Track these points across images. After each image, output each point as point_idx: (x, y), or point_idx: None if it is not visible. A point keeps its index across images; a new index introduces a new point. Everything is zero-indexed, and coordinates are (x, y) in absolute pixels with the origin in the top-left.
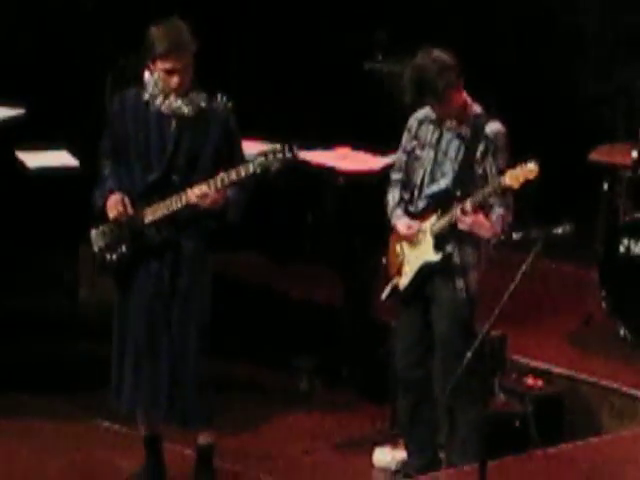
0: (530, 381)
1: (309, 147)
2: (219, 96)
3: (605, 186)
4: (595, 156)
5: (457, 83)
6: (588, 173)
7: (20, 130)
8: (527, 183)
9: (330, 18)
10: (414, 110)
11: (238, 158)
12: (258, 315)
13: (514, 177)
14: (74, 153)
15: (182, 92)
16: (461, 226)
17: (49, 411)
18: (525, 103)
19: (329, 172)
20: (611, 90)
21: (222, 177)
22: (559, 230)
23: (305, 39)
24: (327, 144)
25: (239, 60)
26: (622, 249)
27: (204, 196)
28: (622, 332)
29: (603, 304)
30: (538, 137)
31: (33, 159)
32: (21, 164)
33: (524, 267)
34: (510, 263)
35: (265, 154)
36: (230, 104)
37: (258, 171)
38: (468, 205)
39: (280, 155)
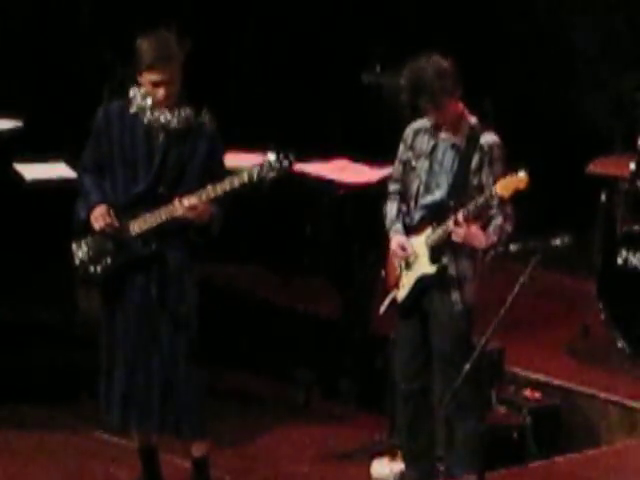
0: (528, 393)
1: (307, 159)
2: (204, 111)
3: (603, 197)
4: (593, 168)
5: (454, 90)
6: (586, 185)
7: (18, 142)
8: (518, 192)
9: (328, 30)
10: (411, 121)
11: (220, 173)
12: (256, 327)
13: (504, 186)
14: (72, 165)
15: (169, 104)
16: (454, 238)
17: (47, 422)
18: (523, 115)
19: (327, 184)
20: (609, 102)
21: (214, 188)
22: (557, 241)
23: (303, 51)
24: (325, 156)
25: (237, 72)
26: (620, 260)
27: (192, 208)
28: (620, 343)
29: (601, 315)
30: (536, 149)
31: (31, 171)
32: (19, 176)
33: (522, 279)
34: (508, 275)
35: (261, 164)
36: (214, 120)
37: (254, 179)
38: (460, 216)
39: (277, 164)
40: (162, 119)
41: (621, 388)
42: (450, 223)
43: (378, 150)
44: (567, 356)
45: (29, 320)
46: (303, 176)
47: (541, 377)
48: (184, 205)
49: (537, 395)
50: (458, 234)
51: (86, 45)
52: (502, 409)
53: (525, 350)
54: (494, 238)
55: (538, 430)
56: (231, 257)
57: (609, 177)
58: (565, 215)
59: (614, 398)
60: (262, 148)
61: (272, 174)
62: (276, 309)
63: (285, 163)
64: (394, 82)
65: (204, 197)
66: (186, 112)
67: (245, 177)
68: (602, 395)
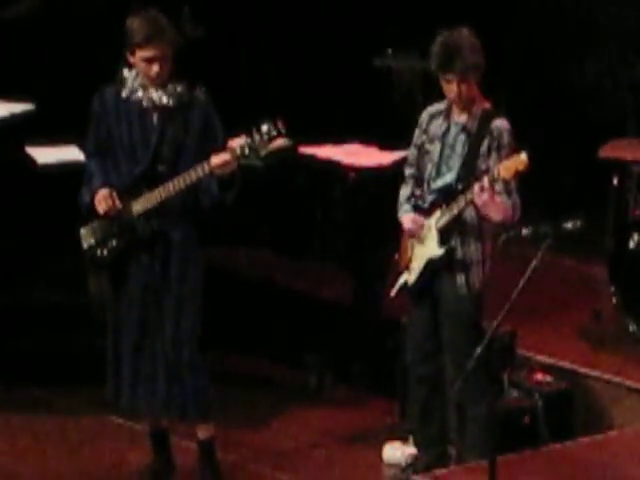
0: (540, 377)
1: (319, 143)
2: (198, 87)
3: (615, 181)
4: (605, 152)
5: (480, 69)
6: (598, 168)
7: (30, 126)
8: (519, 174)
9: (340, 14)
10: (423, 105)
11: (219, 146)
12: (268, 311)
13: (506, 168)
14: (84, 148)
15: (161, 82)
16: (476, 200)
17: (60, 406)
18: (535, 99)
19: (339, 168)
20: (622, 85)
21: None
22: (569, 225)
23: (314, 35)
24: (336, 140)
25: (249, 56)
26: (632, 244)
27: (226, 164)
28: (632, 328)
29: (613, 299)
30: (548, 133)
31: (43, 155)
32: (30, 160)
33: (534, 262)
34: (520, 258)
35: (251, 136)
36: (208, 94)
37: (246, 151)
38: (486, 181)
39: (266, 135)
40: (155, 98)
41: (633, 372)
42: (475, 187)
43: (390, 134)
44: (579, 340)
45: (41, 304)
46: (315, 160)
47: (553, 361)
48: (217, 160)
49: (549, 379)
50: (481, 198)
51: (98, 27)
52: (514, 393)
53: (537, 334)
54: (509, 213)
55: (550, 414)
56: (242, 242)
57: (621, 161)
58: (577, 199)
59: (626, 382)
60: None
61: (264, 145)
62: (288, 293)
63: (273, 132)
64: (406, 66)
65: (232, 155)
66: (178, 89)
67: (237, 151)
68: (614, 379)
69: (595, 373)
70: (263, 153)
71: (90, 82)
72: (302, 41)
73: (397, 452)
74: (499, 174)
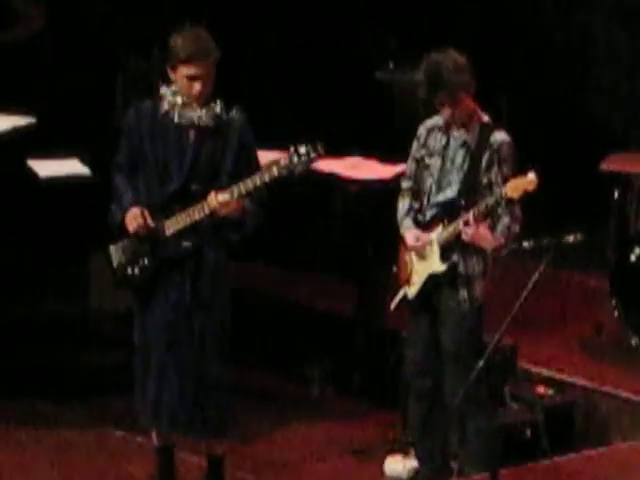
0: (541, 390)
1: (320, 157)
2: (234, 108)
3: (616, 194)
4: (606, 165)
5: (470, 86)
6: (599, 182)
7: (31, 139)
8: (527, 194)
9: (342, 27)
10: (425, 118)
11: (254, 168)
12: (270, 323)
13: (513, 188)
14: (85, 161)
15: (203, 101)
16: (463, 237)
17: (62, 419)
18: (537, 112)
19: (340, 181)
20: (622, 98)
21: (245, 184)
22: (570, 239)
23: (317, 48)
24: (338, 153)
25: (252, 69)
26: (633, 258)
27: (225, 204)
28: (633, 341)
29: (614, 313)
30: (550, 146)
31: (44, 168)
32: (32, 173)
33: (535, 276)
34: (521, 272)
35: (290, 157)
36: (244, 115)
37: (284, 173)
38: (470, 216)
39: (305, 157)
40: (193, 116)
41: (634, 385)
42: (460, 222)
43: (391, 147)
44: (580, 353)
45: (43, 316)
46: (316, 172)
47: (554, 374)
48: (216, 201)
49: (550, 392)
50: (467, 234)
51: (99, 40)
52: (515, 406)
53: (538, 347)
54: (502, 240)
55: (551, 427)
56: (245, 255)
57: (622, 174)
58: (578, 212)
59: (627, 395)
60: (276, 145)
61: (301, 167)
62: (289, 306)
63: (313, 155)
64: (407, 79)
65: (236, 193)
66: (216, 108)
67: (275, 171)
68: (615, 392)
69: (596, 386)
70: (298, 174)
71: (91, 96)
72: (304, 54)
73: (398, 465)
74: (506, 194)
